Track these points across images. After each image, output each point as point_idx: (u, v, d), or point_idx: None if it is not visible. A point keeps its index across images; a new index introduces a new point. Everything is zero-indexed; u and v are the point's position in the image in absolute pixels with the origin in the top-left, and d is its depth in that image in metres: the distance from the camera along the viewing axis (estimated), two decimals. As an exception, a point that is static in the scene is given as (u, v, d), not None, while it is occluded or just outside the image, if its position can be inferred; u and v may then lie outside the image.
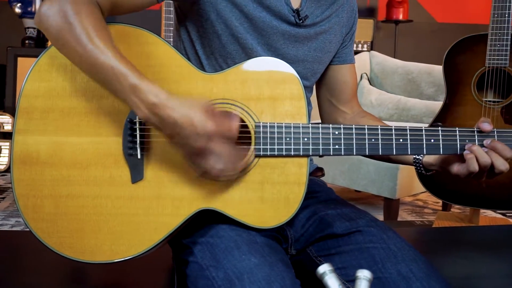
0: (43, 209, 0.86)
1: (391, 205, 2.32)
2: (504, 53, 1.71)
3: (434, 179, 1.92)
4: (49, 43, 0.88)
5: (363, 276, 0.67)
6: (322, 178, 1.13)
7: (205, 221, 0.90)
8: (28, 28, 3.54)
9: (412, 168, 2.40)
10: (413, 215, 2.69)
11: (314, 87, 1.14)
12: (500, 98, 1.80)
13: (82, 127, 0.87)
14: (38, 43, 3.58)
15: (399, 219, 2.48)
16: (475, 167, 0.87)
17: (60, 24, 0.81)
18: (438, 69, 2.78)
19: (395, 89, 2.92)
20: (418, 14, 4.46)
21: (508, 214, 2.69)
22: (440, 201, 2.91)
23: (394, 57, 3.23)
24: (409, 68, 2.88)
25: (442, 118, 1.90)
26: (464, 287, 1.01)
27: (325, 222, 0.95)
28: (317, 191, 1.04)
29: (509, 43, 1.71)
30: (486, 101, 1.80)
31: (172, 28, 2.63)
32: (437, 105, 2.66)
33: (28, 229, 0.87)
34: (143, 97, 0.77)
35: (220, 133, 0.78)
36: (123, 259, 0.86)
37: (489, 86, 1.79)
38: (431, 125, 1.93)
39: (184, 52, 1.00)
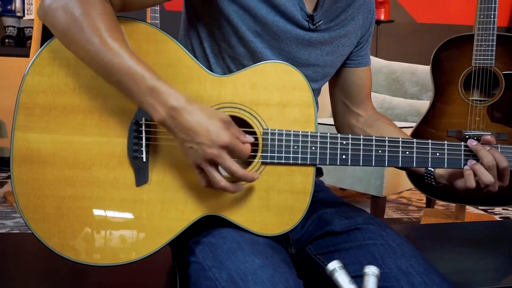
0: (44, 210, 0.84)
1: (377, 203, 2.35)
2: (489, 53, 1.75)
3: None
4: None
5: (371, 272, 0.68)
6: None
7: (208, 222, 0.89)
8: (8, 26, 3.46)
9: (399, 166, 2.40)
10: (398, 212, 2.73)
11: (328, 87, 1.13)
12: (486, 97, 1.85)
13: (86, 126, 0.85)
14: (18, 42, 3.50)
15: (385, 216, 2.51)
16: (472, 183, 0.89)
17: (69, 21, 0.78)
18: (422, 68, 2.83)
19: (379, 88, 2.96)
20: (399, 15, 4.52)
21: (489, 211, 2.76)
22: (424, 198, 2.97)
23: (376, 57, 3.27)
24: (393, 67, 2.92)
25: (429, 117, 1.94)
26: (457, 282, 1.04)
27: (323, 220, 0.96)
28: (316, 191, 1.05)
29: (494, 43, 1.75)
30: (473, 100, 1.84)
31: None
32: (421, 104, 2.71)
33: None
34: (162, 99, 0.76)
35: (232, 147, 0.78)
36: (125, 263, 0.85)
37: (475, 85, 1.84)
38: (418, 127, 1.97)
39: (191, 49, 0.98)
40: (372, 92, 3.08)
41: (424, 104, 2.62)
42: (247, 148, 0.80)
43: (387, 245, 0.88)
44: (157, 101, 0.76)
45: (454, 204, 2.80)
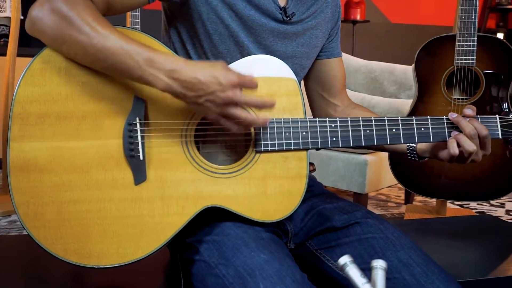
0: (44, 216, 0.84)
1: (360, 200, 2.39)
2: (471, 53, 1.81)
3: (405, 172, 2.02)
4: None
5: (379, 266, 0.70)
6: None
7: (208, 218, 0.90)
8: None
9: (380, 162, 2.47)
10: (379, 209, 2.79)
11: (303, 81, 1.16)
12: (468, 95, 1.91)
13: (81, 131, 0.85)
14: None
15: (367, 213, 2.55)
16: (455, 150, 0.93)
17: (57, 21, 0.80)
18: (400, 68, 2.89)
19: (359, 87, 3.01)
20: (374, 15, 4.61)
21: (465, 206, 2.84)
22: (402, 195, 3.04)
23: (352, 56, 3.33)
24: (371, 67, 2.97)
25: (413, 115, 1.99)
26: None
27: (323, 216, 0.98)
28: (310, 185, 1.07)
29: (475, 43, 1.81)
30: (455, 98, 1.90)
31: (138, 27, 2.57)
32: (400, 102, 2.77)
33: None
34: (160, 66, 0.79)
35: (242, 83, 0.81)
36: (130, 262, 0.85)
37: (457, 84, 1.90)
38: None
39: (175, 53, 0.99)
40: (351, 91, 3.13)
41: (403, 103, 2.68)
42: (254, 80, 0.83)
43: (386, 238, 0.90)
44: (157, 69, 0.79)
45: (431, 200, 2.88)
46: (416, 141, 0.94)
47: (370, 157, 2.31)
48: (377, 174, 2.40)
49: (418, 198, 2.98)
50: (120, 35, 0.80)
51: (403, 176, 2.02)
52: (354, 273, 0.68)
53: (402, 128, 0.93)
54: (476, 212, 2.76)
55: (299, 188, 0.91)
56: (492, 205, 2.92)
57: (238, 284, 0.77)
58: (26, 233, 0.85)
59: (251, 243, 0.83)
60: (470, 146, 0.92)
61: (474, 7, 1.74)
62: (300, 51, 1.03)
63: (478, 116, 0.95)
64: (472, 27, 1.76)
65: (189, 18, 0.94)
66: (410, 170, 2.00)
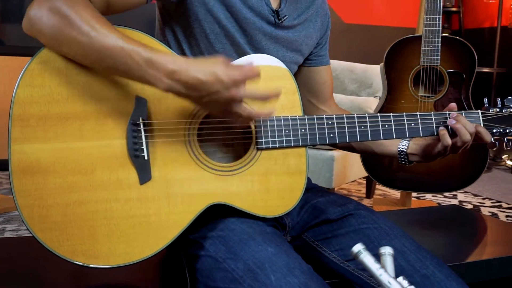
0: (50, 219, 0.83)
1: (327, 195, 2.46)
2: (435, 53, 1.92)
3: (375, 166, 2.11)
4: None
5: (387, 252, 0.74)
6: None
7: (211, 215, 0.92)
8: None
9: (346, 158, 2.55)
10: (343, 203, 2.87)
11: None
12: (433, 93, 2.02)
13: (84, 132, 0.85)
14: None
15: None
16: (448, 141, 0.99)
17: (56, 21, 0.79)
18: (360, 67, 3.00)
19: (321, 86, 3.08)
20: (328, 15, 4.72)
21: (421, 198, 3.00)
22: (362, 189, 3.15)
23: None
24: (332, 65, 3.03)
25: (382, 111, 2.08)
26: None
27: (318, 209, 1.02)
28: None
29: (440, 44, 1.92)
30: (421, 96, 2.00)
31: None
32: (361, 100, 2.87)
33: None
34: (161, 67, 0.77)
35: (244, 77, 0.80)
36: (138, 260, 0.86)
37: (423, 82, 2.00)
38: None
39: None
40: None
41: (363, 100, 2.78)
42: (255, 70, 0.81)
43: (379, 228, 0.96)
44: (157, 70, 0.78)
45: (390, 193, 3.01)
46: (407, 136, 0.99)
47: (337, 153, 2.39)
48: (343, 169, 2.48)
49: (378, 191, 3.10)
50: (120, 34, 0.79)
51: (373, 170, 2.11)
52: (368, 259, 0.72)
53: (394, 124, 0.98)
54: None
55: (300, 183, 0.94)
56: (446, 196, 3.10)
57: (249, 277, 0.79)
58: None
59: (257, 237, 0.85)
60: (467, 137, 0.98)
61: (438, 10, 1.85)
62: (289, 56, 1.06)
63: (462, 111, 1.02)
64: (437, 28, 1.87)
65: (185, 18, 0.95)
66: (379, 165, 2.10)
